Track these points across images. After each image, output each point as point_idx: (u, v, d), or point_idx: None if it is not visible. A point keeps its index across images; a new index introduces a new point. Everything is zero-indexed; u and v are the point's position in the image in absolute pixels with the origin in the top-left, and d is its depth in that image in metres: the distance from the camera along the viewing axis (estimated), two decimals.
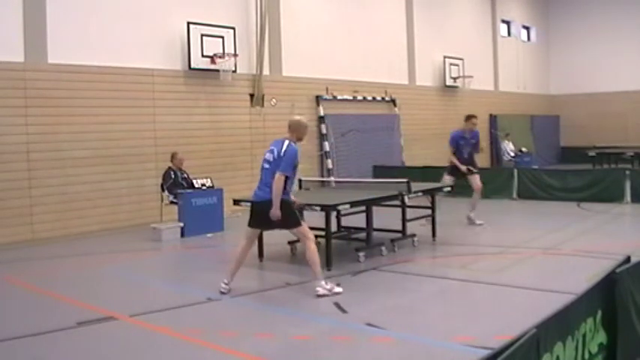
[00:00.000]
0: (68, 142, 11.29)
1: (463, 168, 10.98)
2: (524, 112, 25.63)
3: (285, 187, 6.72)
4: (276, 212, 6.65)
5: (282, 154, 6.71)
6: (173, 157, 11.49)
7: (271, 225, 6.88)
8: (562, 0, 27.84)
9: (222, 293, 6.86)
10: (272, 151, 6.85)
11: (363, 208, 8.67)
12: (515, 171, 15.11)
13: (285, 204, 6.76)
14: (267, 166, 6.84)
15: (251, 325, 5.91)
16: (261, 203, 6.80)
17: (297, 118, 7.11)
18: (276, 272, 8.05)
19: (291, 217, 6.83)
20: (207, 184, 11.29)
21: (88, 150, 11.55)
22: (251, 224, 7.04)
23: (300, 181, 10.23)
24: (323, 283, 6.71)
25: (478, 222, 11.06)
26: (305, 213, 8.61)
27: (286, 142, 6.81)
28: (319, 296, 6.60)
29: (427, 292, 6.97)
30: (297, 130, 6.94)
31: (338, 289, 6.73)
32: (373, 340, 5.41)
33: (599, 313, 3.90)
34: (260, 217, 6.87)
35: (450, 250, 9.06)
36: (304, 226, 6.93)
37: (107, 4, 11.96)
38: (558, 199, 13.75)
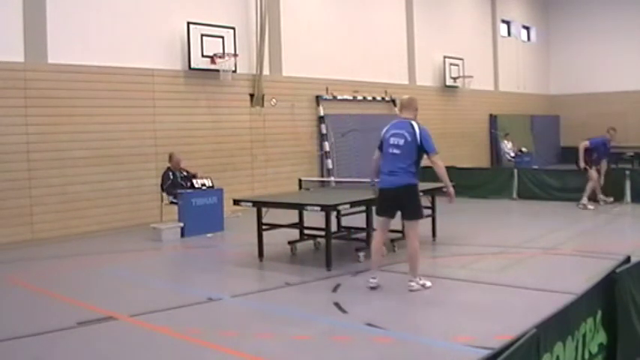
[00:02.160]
0: (68, 142, 11.29)
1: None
2: (524, 112, 25.63)
3: (416, 172, 6.74)
4: (451, 191, 6.88)
5: (417, 136, 6.60)
6: (170, 158, 11.48)
7: (401, 211, 6.82)
8: (562, 0, 27.83)
9: (373, 288, 6.78)
10: (400, 135, 6.64)
11: (363, 208, 8.66)
12: (515, 171, 15.11)
13: (417, 190, 6.77)
14: (397, 151, 6.64)
15: (251, 325, 5.91)
16: (397, 189, 6.69)
17: (405, 96, 6.99)
18: (276, 272, 8.05)
19: (419, 207, 6.81)
20: (207, 184, 11.28)
21: (88, 150, 11.54)
22: (381, 212, 6.92)
23: (300, 180, 10.24)
24: (417, 279, 6.82)
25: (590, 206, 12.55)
26: (305, 213, 8.66)
27: (415, 124, 6.69)
28: (411, 291, 6.73)
29: (427, 292, 6.96)
30: (412, 107, 6.87)
31: (428, 284, 6.82)
32: (373, 340, 5.41)
33: (599, 313, 3.90)
34: (392, 203, 6.78)
35: (450, 250, 9.07)
36: (420, 222, 6.91)
37: (107, 4, 11.96)
38: (558, 199, 13.74)
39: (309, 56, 15.95)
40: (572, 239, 9.68)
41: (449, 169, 17.11)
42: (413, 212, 6.77)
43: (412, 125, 6.68)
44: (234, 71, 13.75)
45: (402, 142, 6.63)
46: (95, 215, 11.63)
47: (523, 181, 14.70)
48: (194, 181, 11.20)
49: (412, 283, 6.79)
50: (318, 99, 16.20)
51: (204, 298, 6.72)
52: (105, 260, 9.17)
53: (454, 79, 21.19)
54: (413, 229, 6.80)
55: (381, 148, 6.88)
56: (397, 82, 19.06)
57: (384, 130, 6.84)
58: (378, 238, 6.96)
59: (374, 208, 7.17)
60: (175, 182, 11.21)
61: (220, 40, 13.37)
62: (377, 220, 7.07)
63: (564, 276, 7.29)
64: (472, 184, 14.89)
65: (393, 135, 6.70)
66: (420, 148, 6.63)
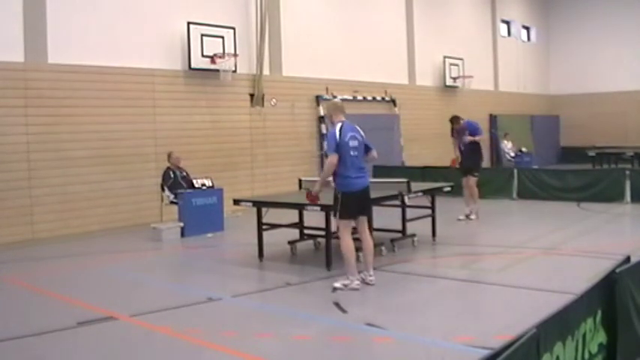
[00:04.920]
0: (68, 142, 11.29)
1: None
2: (524, 112, 25.63)
3: None
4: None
5: (364, 135, 7.00)
6: (169, 156, 11.48)
7: (363, 210, 7.04)
8: (562, 0, 27.84)
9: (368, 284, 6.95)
10: (355, 137, 6.89)
11: None
12: (515, 171, 15.09)
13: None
14: (356, 153, 6.89)
15: (251, 325, 5.91)
16: (366, 189, 7.00)
17: (338, 100, 7.64)
18: (276, 272, 8.05)
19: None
20: (207, 184, 11.28)
21: (88, 150, 11.55)
22: (353, 215, 6.95)
23: (300, 180, 10.23)
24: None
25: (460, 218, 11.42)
26: (305, 213, 8.66)
27: (355, 126, 7.03)
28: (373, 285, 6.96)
29: (427, 292, 6.97)
30: (344, 110, 7.13)
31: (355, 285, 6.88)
32: (373, 340, 5.41)
33: (599, 313, 3.90)
34: (361, 203, 6.97)
35: (450, 250, 9.06)
36: None
37: (108, 4, 11.96)
38: (558, 199, 13.74)
39: (309, 56, 15.95)
40: (572, 239, 9.67)
41: (449, 169, 17.11)
42: (371, 209, 7.40)
43: (356, 127, 7.04)
44: (234, 71, 13.75)
45: (357, 143, 6.90)
46: (95, 215, 11.63)
47: (523, 181, 14.69)
48: (194, 180, 11.20)
49: (372, 278, 7.00)
50: (318, 99, 16.20)
51: (204, 298, 6.72)
52: (105, 260, 9.17)
53: (454, 79, 21.19)
54: (367, 224, 7.16)
55: (336, 150, 6.77)
56: (397, 82, 19.06)
57: (338, 133, 6.81)
58: (351, 241, 6.97)
59: (338, 212, 6.95)
60: (176, 181, 11.21)
61: (220, 40, 13.37)
62: (345, 224, 6.92)
63: (564, 276, 7.28)
64: None
65: (351, 138, 6.87)
66: (366, 146, 7.03)
